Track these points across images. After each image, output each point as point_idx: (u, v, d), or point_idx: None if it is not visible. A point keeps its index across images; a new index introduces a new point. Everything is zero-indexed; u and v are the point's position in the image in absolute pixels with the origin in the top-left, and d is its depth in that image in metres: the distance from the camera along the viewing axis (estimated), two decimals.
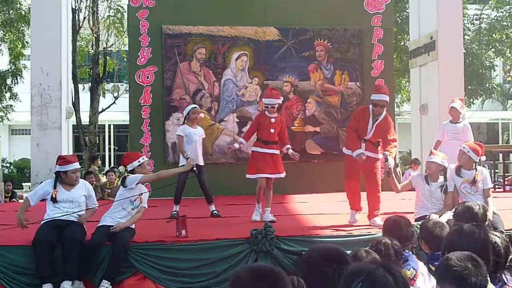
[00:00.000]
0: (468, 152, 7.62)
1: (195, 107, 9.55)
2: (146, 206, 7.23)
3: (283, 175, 8.55)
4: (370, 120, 7.90)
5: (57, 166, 7.15)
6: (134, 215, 7.05)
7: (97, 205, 7.28)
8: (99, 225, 6.92)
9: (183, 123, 9.60)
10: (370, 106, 7.96)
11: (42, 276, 6.44)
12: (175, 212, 9.08)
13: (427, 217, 7.04)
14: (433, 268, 4.56)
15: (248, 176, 8.44)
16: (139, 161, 7.23)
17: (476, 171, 7.62)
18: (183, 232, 7.16)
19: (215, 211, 9.22)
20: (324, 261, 3.06)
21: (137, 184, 6.99)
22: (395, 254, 4.65)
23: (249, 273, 2.53)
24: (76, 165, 7.14)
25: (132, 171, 7.16)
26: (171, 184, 7.73)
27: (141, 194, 7.08)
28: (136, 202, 7.03)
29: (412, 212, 7.67)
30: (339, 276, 2.92)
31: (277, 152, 8.51)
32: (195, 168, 8.03)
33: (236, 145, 8.68)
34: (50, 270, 6.47)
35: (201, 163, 9.23)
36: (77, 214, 6.92)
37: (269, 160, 8.37)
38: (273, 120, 8.44)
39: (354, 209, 8.13)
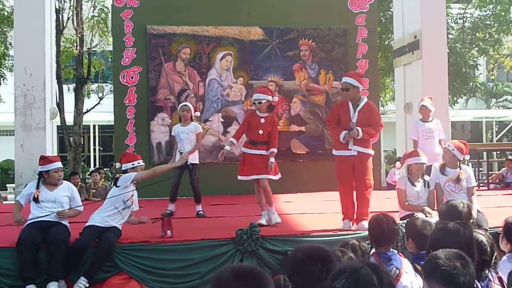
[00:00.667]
0: (453, 150, 7.68)
1: (185, 105, 9.55)
2: (137, 208, 7.24)
3: (273, 177, 8.10)
4: (350, 108, 7.52)
5: (39, 166, 7.16)
6: (129, 217, 7.09)
7: (81, 207, 7.24)
8: (88, 224, 6.88)
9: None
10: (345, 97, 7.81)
11: (26, 277, 6.40)
12: (169, 211, 9.07)
13: (413, 215, 7.07)
14: (419, 267, 4.59)
15: (239, 177, 8.16)
16: (133, 164, 7.29)
17: (460, 169, 7.67)
18: (168, 232, 7.16)
19: (201, 212, 9.22)
20: (309, 260, 3.07)
21: (131, 182, 7.02)
22: (362, 255, 4.70)
23: (230, 273, 2.53)
24: (58, 164, 7.13)
25: (125, 172, 7.19)
26: (153, 183, 7.64)
27: (132, 195, 7.07)
28: (128, 202, 7.01)
29: (397, 211, 7.70)
30: (326, 275, 2.94)
31: (266, 153, 8.07)
32: (189, 163, 8.02)
33: (227, 148, 8.28)
34: (34, 271, 6.43)
35: (192, 160, 9.10)
36: (58, 211, 6.87)
37: (258, 161, 7.99)
38: (262, 120, 8.00)
39: (347, 218, 7.61)
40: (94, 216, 6.97)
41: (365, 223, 7.43)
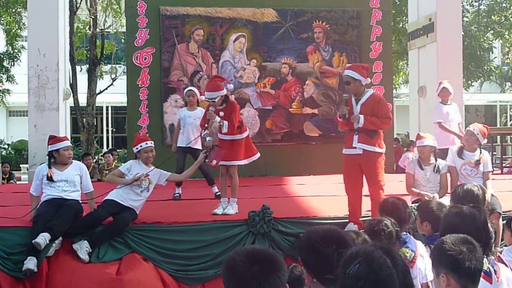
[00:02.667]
0: (478, 134, 7.64)
1: (190, 90, 9.64)
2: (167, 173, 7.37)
3: (241, 162, 7.69)
4: (353, 102, 7.19)
5: (49, 146, 7.22)
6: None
7: (91, 189, 7.27)
8: (107, 198, 6.94)
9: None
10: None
11: (31, 248, 6.41)
12: (178, 195, 9.24)
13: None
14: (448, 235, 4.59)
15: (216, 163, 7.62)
16: (137, 148, 7.25)
17: (481, 153, 7.64)
18: (214, 162, 7.32)
19: (218, 192, 9.21)
20: (323, 242, 3.03)
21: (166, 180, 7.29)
22: (395, 233, 4.65)
23: (244, 257, 2.52)
24: (67, 142, 7.20)
25: (136, 155, 7.23)
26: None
27: (147, 175, 7.07)
28: (144, 183, 7.02)
29: (408, 195, 7.68)
30: (338, 260, 2.93)
31: (239, 137, 7.65)
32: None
33: (209, 138, 7.75)
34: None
35: (198, 146, 9.19)
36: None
37: (228, 146, 7.59)
38: (221, 113, 7.56)
39: (352, 221, 7.17)
40: (116, 191, 7.01)
41: None
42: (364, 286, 2.39)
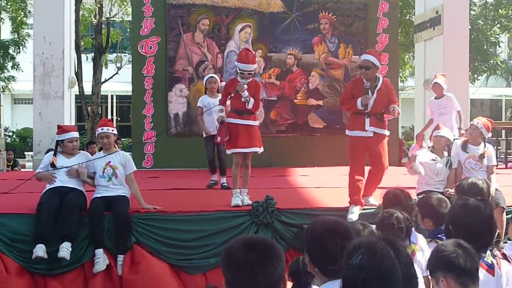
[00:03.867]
0: (481, 128, 7.60)
1: (212, 77, 9.56)
2: (134, 169, 7.17)
3: (260, 149, 7.52)
4: (367, 88, 7.19)
5: (56, 135, 7.25)
6: (133, 189, 7.08)
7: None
8: (92, 197, 6.93)
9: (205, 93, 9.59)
10: (362, 76, 7.37)
11: (38, 237, 6.45)
12: (214, 181, 9.29)
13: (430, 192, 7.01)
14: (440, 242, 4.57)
15: (227, 151, 7.60)
16: (96, 132, 7.24)
17: (485, 146, 7.61)
18: (218, 138, 7.33)
19: (225, 184, 9.19)
20: (327, 234, 3.03)
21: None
22: (406, 229, 4.61)
23: (241, 244, 2.53)
24: (72, 134, 7.13)
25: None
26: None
27: (109, 162, 7.00)
28: (105, 173, 6.96)
29: (413, 187, 7.65)
30: (341, 252, 2.92)
31: (254, 123, 7.52)
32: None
33: (221, 114, 7.56)
34: (48, 232, 6.49)
35: None
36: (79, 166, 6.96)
37: (243, 132, 7.39)
38: (245, 86, 7.34)
39: (355, 202, 7.20)
40: (96, 189, 7.03)
41: (371, 199, 7.41)
42: (366, 277, 2.38)
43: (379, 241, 2.48)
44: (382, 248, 2.44)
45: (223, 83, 9.56)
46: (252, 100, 7.33)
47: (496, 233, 4.19)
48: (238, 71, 7.41)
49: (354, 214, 7.05)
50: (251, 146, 7.42)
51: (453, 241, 3.22)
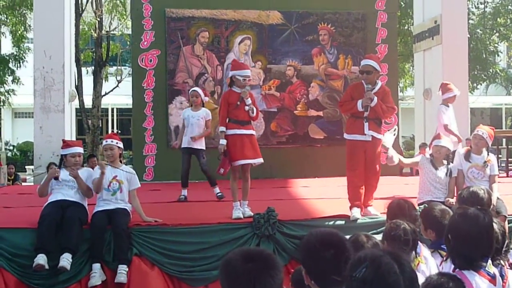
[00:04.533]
0: (486, 137, 7.62)
1: (194, 90, 9.60)
2: (138, 185, 7.19)
3: (262, 160, 7.43)
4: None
5: (60, 149, 7.36)
6: (135, 205, 7.09)
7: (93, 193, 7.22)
8: (93, 211, 6.93)
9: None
10: (363, 80, 7.42)
11: (39, 247, 6.45)
12: (183, 196, 9.19)
13: (430, 202, 7.01)
14: (443, 253, 4.56)
15: (239, 162, 7.29)
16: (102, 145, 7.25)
17: (488, 155, 7.62)
18: (221, 170, 7.20)
19: (219, 193, 9.23)
20: (321, 246, 3.03)
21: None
22: (412, 241, 4.58)
23: (239, 256, 2.54)
24: (74, 149, 7.16)
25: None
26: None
27: (115, 176, 7.01)
28: (111, 187, 6.97)
29: (415, 197, 7.65)
30: (335, 265, 2.94)
31: (254, 132, 7.51)
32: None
33: (223, 142, 7.26)
34: (49, 244, 6.48)
35: (198, 146, 9.23)
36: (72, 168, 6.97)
37: (247, 142, 7.31)
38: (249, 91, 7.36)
39: (356, 205, 7.27)
40: (97, 203, 7.03)
41: (372, 209, 7.39)
42: None
43: (384, 255, 2.48)
44: (387, 262, 2.44)
45: (207, 98, 9.64)
46: (254, 108, 7.36)
47: (506, 243, 4.18)
48: (236, 80, 7.37)
49: (357, 213, 7.21)
50: (257, 157, 7.40)
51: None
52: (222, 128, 7.34)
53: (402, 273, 2.42)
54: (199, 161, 9.25)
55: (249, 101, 7.30)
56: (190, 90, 9.76)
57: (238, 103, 7.26)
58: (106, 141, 7.12)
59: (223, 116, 7.38)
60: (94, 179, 6.97)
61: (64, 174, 7.04)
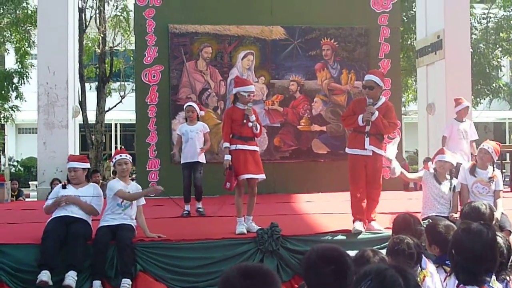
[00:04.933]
0: (492, 152, 7.61)
1: (190, 105, 9.62)
2: (143, 202, 7.24)
3: (264, 176, 7.48)
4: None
5: None
6: (140, 221, 7.09)
7: (99, 211, 7.21)
8: (98, 226, 6.94)
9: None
10: (366, 95, 7.47)
11: (43, 264, 6.44)
12: (187, 212, 9.17)
13: (433, 217, 7.00)
14: (447, 269, 4.54)
15: (240, 178, 7.31)
16: (112, 161, 7.24)
17: (494, 171, 7.62)
18: (228, 184, 7.18)
19: (201, 209, 9.29)
20: (321, 261, 3.02)
21: (115, 195, 6.98)
22: (417, 255, 4.57)
23: (237, 272, 2.52)
24: (69, 164, 7.20)
25: (114, 172, 7.24)
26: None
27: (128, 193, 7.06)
28: (124, 203, 7.01)
29: (419, 212, 7.63)
30: (339, 277, 2.94)
31: (257, 148, 7.55)
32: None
33: (228, 157, 7.32)
34: (52, 260, 6.48)
35: (198, 159, 9.25)
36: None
37: (250, 158, 7.35)
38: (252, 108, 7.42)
39: (359, 220, 7.33)
40: (102, 218, 7.04)
41: (375, 224, 7.42)
42: None
43: (389, 269, 2.51)
44: (392, 275, 2.47)
45: (202, 112, 9.68)
46: (257, 124, 7.39)
47: (511, 258, 4.16)
48: (240, 96, 7.41)
49: (359, 227, 7.25)
50: (259, 173, 7.42)
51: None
52: (226, 144, 7.41)
53: (406, 286, 2.44)
54: (194, 175, 9.27)
55: (253, 117, 7.34)
56: (186, 105, 9.74)
57: (244, 121, 7.30)
58: (121, 156, 7.16)
59: (227, 132, 7.43)
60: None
61: (69, 190, 7.05)
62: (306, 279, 3.13)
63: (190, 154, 9.26)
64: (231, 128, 7.40)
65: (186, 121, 9.59)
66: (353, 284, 2.56)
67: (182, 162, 9.41)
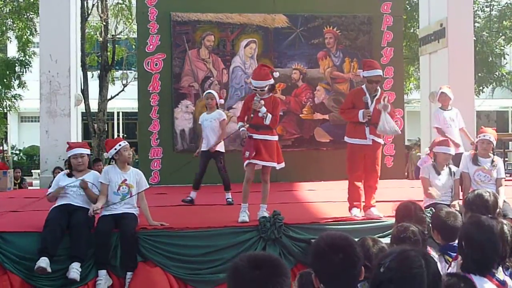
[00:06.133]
0: (494, 141, 7.69)
1: (209, 92, 9.62)
2: (146, 186, 7.26)
3: (277, 165, 7.50)
4: (368, 97, 7.47)
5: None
6: (143, 206, 7.07)
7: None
8: (100, 214, 6.93)
9: None
10: (364, 86, 7.59)
11: (42, 251, 6.46)
12: (190, 198, 9.14)
13: (438, 205, 7.02)
14: (450, 259, 4.56)
15: (252, 161, 7.34)
16: (115, 148, 7.08)
17: (494, 155, 7.69)
18: (247, 153, 7.20)
19: (229, 199, 9.22)
20: (330, 249, 3.03)
21: (100, 182, 7.01)
22: (422, 242, 4.59)
23: (246, 262, 2.53)
24: (76, 150, 7.15)
25: (112, 159, 7.17)
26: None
27: (125, 180, 7.04)
28: (120, 191, 6.99)
29: (421, 200, 7.64)
30: (343, 268, 3.00)
31: (271, 138, 7.44)
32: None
33: (243, 128, 7.41)
34: (52, 248, 6.50)
35: (218, 148, 9.25)
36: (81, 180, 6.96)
37: (261, 147, 7.31)
38: (262, 102, 7.28)
39: (355, 207, 7.52)
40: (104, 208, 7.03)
41: (374, 210, 7.50)
42: (393, 277, 2.53)
43: (412, 250, 2.64)
44: (414, 255, 2.59)
45: (222, 100, 9.64)
46: (269, 116, 7.29)
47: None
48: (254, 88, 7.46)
49: (357, 212, 7.44)
50: (270, 161, 7.41)
51: None
52: (241, 123, 7.51)
53: (427, 268, 2.55)
54: (217, 165, 9.28)
55: (263, 109, 7.25)
56: (205, 93, 9.76)
57: (252, 115, 7.34)
58: (125, 142, 7.17)
59: (241, 116, 7.60)
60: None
61: (70, 179, 7.03)
62: (314, 267, 3.14)
63: (205, 142, 9.27)
64: (245, 114, 7.50)
65: (206, 109, 9.58)
66: (376, 261, 2.68)
67: (201, 150, 9.45)
